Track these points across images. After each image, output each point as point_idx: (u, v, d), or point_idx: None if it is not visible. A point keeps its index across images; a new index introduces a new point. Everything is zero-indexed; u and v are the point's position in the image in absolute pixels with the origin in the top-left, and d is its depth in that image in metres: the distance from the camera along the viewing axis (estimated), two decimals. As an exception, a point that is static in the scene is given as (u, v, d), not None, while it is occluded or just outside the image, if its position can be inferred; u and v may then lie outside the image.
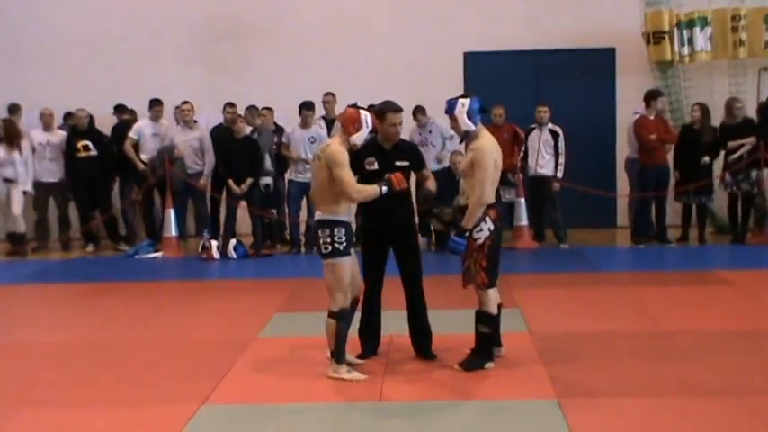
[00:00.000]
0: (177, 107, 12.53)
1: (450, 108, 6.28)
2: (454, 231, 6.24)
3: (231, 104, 12.59)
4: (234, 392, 5.99)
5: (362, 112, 6.21)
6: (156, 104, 12.66)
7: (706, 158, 11.92)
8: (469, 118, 6.21)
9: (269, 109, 12.54)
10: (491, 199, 6.18)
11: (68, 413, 5.69)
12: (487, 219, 6.16)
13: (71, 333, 8.07)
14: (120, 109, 13.13)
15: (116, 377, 6.41)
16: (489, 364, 6.27)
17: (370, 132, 6.28)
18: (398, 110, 6.44)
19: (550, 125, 12.19)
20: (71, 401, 5.91)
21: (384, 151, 6.48)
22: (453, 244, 6.16)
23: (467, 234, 6.12)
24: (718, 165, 12.39)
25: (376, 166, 6.44)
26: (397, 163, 6.46)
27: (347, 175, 6.00)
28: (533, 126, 12.29)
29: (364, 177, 6.45)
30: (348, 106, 6.34)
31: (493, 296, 6.28)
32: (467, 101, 6.25)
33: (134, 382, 6.28)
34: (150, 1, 14.25)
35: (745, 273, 10.02)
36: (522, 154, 12.26)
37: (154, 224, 12.76)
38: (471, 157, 6.20)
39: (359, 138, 6.17)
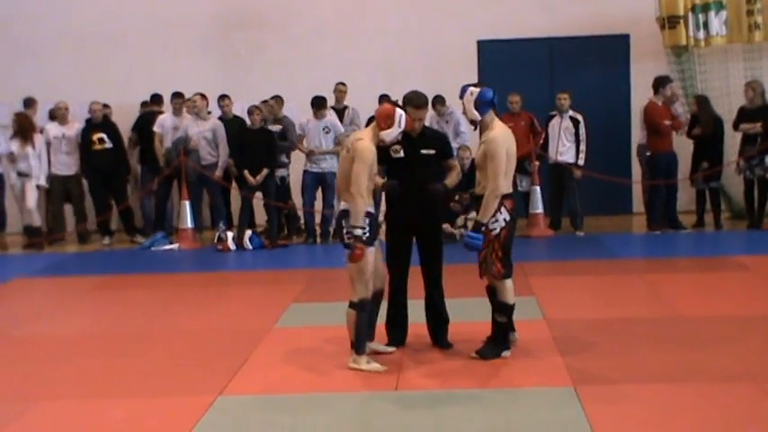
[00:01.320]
0: (189, 99, 12.56)
1: (461, 93, 6.28)
2: (470, 226, 6.21)
3: (225, 96, 12.57)
4: (251, 383, 6.01)
5: (398, 110, 6.17)
6: (176, 97, 12.66)
7: (705, 164, 11.96)
8: (477, 108, 6.18)
9: (279, 98, 12.53)
10: (506, 189, 6.15)
11: (86, 405, 5.73)
12: (503, 209, 6.13)
13: (88, 325, 8.12)
14: (154, 99, 13.14)
15: (133, 368, 6.44)
16: (506, 353, 6.27)
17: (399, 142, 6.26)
18: (420, 106, 6.40)
19: (571, 112, 12.13)
20: (88, 393, 5.95)
21: (411, 139, 6.45)
22: (470, 239, 6.09)
23: (483, 228, 6.09)
24: (733, 150, 12.34)
25: (402, 154, 6.44)
26: (423, 151, 6.46)
27: (363, 173, 5.97)
28: (553, 113, 12.23)
29: (391, 164, 6.47)
30: (384, 100, 6.33)
31: (509, 286, 6.27)
32: (477, 90, 6.21)
33: (151, 373, 6.32)
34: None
35: (762, 258, 9.94)
36: (541, 141, 12.23)
37: (164, 216, 12.79)
38: (484, 149, 6.17)
39: (388, 135, 6.14)
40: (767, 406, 5.21)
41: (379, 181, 6.44)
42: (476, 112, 6.19)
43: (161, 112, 12.94)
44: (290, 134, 12.28)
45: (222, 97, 12.70)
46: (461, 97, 6.28)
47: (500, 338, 6.30)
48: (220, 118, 12.70)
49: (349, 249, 6.02)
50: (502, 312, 6.26)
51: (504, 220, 6.15)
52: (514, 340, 6.45)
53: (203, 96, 12.37)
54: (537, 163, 12.31)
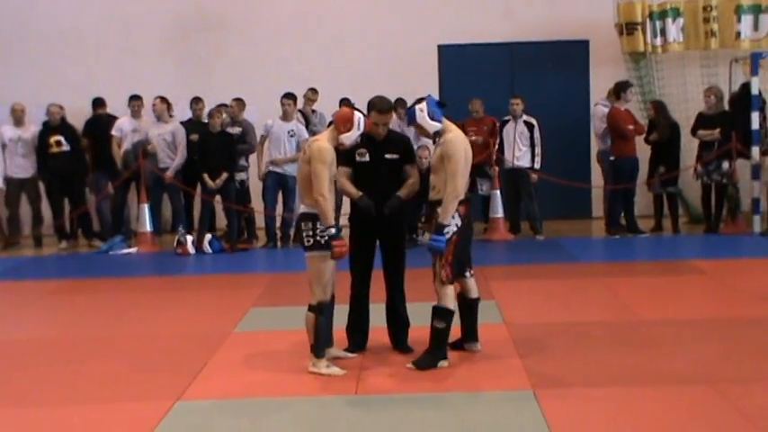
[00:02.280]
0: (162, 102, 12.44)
1: (411, 118, 6.25)
2: (432, 230, 6.13)
3: (198, 99, 12.54)
4: (210, 388, 5.96)
5: (356, 113, 6.17)
6: (134, 100, 12.55)
7: (661, 168, 12.10)
8: (432, 118, 6.16)
9: (240, 100, 12.45)
10: (463, 193, 6.13)
11: (41, 412, 5.64)
12: (456, 214, 6.10)
13: (43, 331, 8.00)
14: (98, 103, 13.02)
15: (89, 374, 6.36)
16: (443, 363, 6.15)
17: (361, 135, 6.24)
18: (383, 111, 6.37)
19: (525, 117, 12.26)
20: (44, 400, 5.85)
21: (376, 143, 6.45)
22: (434, 242, 6.05)
23: (445, 230, 6.07)
24: (690, 155, 12.49)
25: (367, 158, 6.43)
26: (387, 155, 6.46)
27: (323, 173, 5.95)
28: (507, 118, 12.35)
29: (356, 168, 6.46)
30: (343, 104, 6.31)
31: (451, 292, 6.19)
32: (423, 104, 6.18)
33: (108, 378, 6.24)
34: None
35: (719, 262, 10.09)
36: (497, 146, 12.32)
37: (121, 220, 12.68)
38: (441, 151, 6.12)
39: (347, 138, 6.13)
40: (722, 408, 5.27)
41: (356, 193, 6.43)
42: (434, 123, 6.16)
43: (108, 115, 12.81)
44: (249, 137, 12.24)
45: (196, 100, 12.59)
46: (411, 123, 6.27)
47: (438, 347, 6.18)
48: (190, 120, 12.59)
49: (329, 249, 5.98)
50: (441, 318, 6.15)
51: (457, 225, 6.11)
52: (477, 350, 6.43)
53: (163, 99, 12.28)
54: (497, 168, 12.37)
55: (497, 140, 12.30)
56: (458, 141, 6.11)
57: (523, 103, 12.26)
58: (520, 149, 12.25)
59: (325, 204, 5.93)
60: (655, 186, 12.26)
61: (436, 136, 6.30)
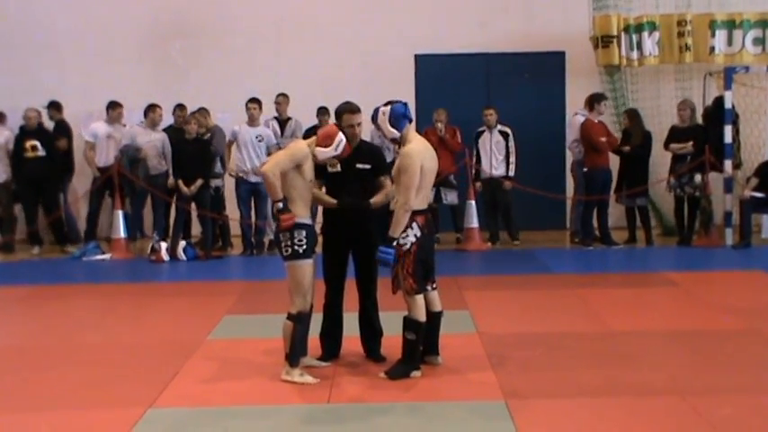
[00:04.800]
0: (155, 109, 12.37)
1: (374, 116, 6.27)
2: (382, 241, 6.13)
3: (182, 106, 12.53)
4: (182, 395, 5.94)
5: (341, 135, 6.18)
6: (115, 107, 12.49)
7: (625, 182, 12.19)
8: (393, 125, 6.16)
9: (204, 109, 12.39)
10: (418, 205, 6.11)
11: (9, 419, 5.58)
12: (414, 225, 6.09)
13: (14, 337, 7.92)
14: (54, 106, 12.95)
15: (59, 381, 6.32)
16: (415, 373, 6.16)
17: (335, 157, 6.24)
18: (355, 110, 6.43)
19: (500, 126, 12.33)
20: (13, 407, 5.80)
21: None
22: (382, 254, 6.04)
23: (395, 243, 6.07)
24: (664, 168, 12.58)
25: (338, 168, 6.44)
26: (359, 165, 6.47)
27: (281, 158, 6.08)
28: (482, 129, 12.41)
29: (328, 179, 6.47)
30: (322, 112, 6.32)
31: (420, 303, 6.19)
32: (387, 108, 6.20)
33: (79, 385, 6.20)
34: (99, -2, 14.11)
35: (691, 274, 10.16)
36: (475, 157, 12.38)
37: (95, 226, 12.60)
38: (398, 162, 6.14)
39: (322, 153, 6.15)
40: (692, 419, 5.31)
41: (331, 201, 6.45)
42: (393, 130, 6.17)
43: (62, 120, 12.77)
44: (217, 142, 12.17)
45: (180, 107, 12.54)
46: (374, 120, 6.29)
47: (409, 358, 6.18)
48: (170, 126, 12.53)
49: (308, 257, 6.06)
50: (411, 330, 6.16)
51: (415, 235, 6.10)
52: (438, 363, 6.41)
53: (158, 107, 12.26)
54: (479, 183, 12.43)
55: (461, 149, 12.35)
56: (414, 154, 6.09)
57: (497, 113, 12.34)
58: (497, 159, 12.33)
59: (272, 179, 5.96)
60: (623, 199, 12.34)
61: (395, 143, 6.33)
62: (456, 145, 12.37)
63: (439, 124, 12.28)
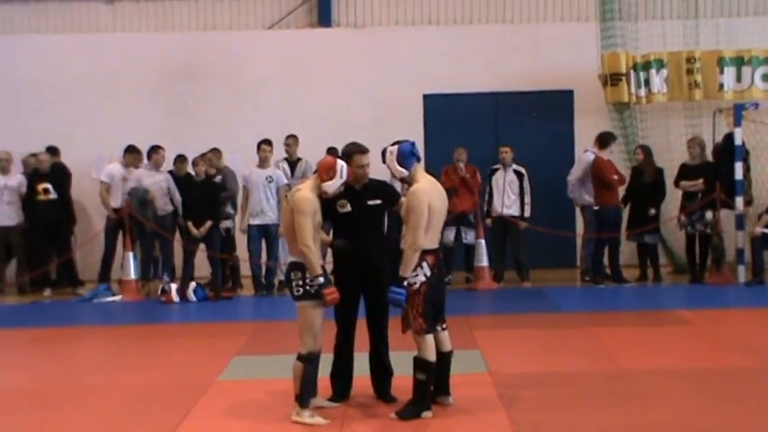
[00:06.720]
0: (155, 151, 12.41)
1: (383, 156, 6.29)
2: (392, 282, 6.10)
3: (182, 158, 12.41)
4: (191, 438, 5.91)
5: (339, 161, 6.22)
6: (133, 152, 12.50)
7: (652, 210, 12.15)
8: (401, 164, 6.19)
9: (216, 150, 12.45)
10: (428, 245, 6.09)
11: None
12: (424, 264, 6.08)
13: (25, 379, 7.90)
14: (51, 151, 13.02)
15: (69, 423, 6.29)
16: (426, 413, 6.11)
17: (344, 184, 6.26)
18: (364, 151, 6.46)
19: (514, 165, 12.34)
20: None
21: (355, 192, 6.48)
22: (393, 294, 6.03)
23: (406, 282, 6.05)
24: (675, 205, 12.55)
25: (349, 208, 6.44)
26: (370, 202, 6.48)
27: (306, 224, 5.98)
28: (497, 167, 12.42)
29: (338, 219, 6.47)
30: (330, 153, 6.33)
31: (431, 342, 6.15)
32: (395, 148, 6.23)
33: (88, 428, 6.17)
34: (110, 42, 14.22)
35: (703, 312, 10.10)
36: (488, 196, 12.38)
37: (109, 268, 12.61)
38: (406, 202, 6.16)
39: (330, 186, 6.16)
40: (707, 459, 5.25)
41: (327, 239, 6.48)
42: (401, 169, 6.19)
43: (59, 163, 12.89)
44: (229, 183, 12.24)
45: (180, 158, 12.41)
46: (383, 160, 6.30)
47: (420, 398, 6.13)
48: (170, 173, 12.51)
49: (320, 299, 6.01)
50: (422, 370, 6.12)
51: (425, 275, 6.09)
52: (449, 403, 6.36)
53: (161, 149, 12.29)
54: (488, 220, 12.41)
55: (480, 188, 12.35)
56: (421, 193, 6.09)
57: (513, 152, 12.34)
58: (510, 198, 12.32)
59: (311, 254, 5.94)
60: (635, 236, 12.30)
61: (404, 182, 6.35)
62: (476, 184, 12.37)
63: (460, 164, 12.28)
